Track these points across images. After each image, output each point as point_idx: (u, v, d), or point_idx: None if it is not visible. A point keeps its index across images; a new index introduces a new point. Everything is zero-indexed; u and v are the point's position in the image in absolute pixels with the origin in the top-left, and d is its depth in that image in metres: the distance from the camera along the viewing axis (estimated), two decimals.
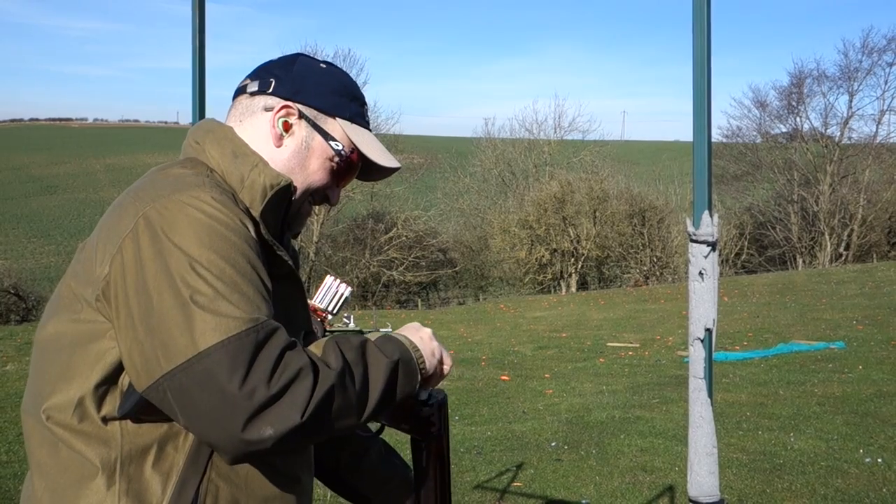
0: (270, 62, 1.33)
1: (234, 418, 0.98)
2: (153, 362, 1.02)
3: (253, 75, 1.31)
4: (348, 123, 1.30)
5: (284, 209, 1.25)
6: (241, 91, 1.31)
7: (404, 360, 1.16)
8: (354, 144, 1.30)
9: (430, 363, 1.23)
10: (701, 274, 1.04)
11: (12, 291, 19.59)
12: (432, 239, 27.40)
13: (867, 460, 5.04)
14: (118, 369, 1.10)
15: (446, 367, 1.30)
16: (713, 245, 1.03)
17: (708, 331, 1.05)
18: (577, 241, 25.26)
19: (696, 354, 1.05)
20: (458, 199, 29.63)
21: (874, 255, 26.17)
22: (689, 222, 1.05)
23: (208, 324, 1.00)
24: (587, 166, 28.17)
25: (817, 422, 6.08)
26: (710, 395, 1.05)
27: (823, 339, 9.99)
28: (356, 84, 1.38)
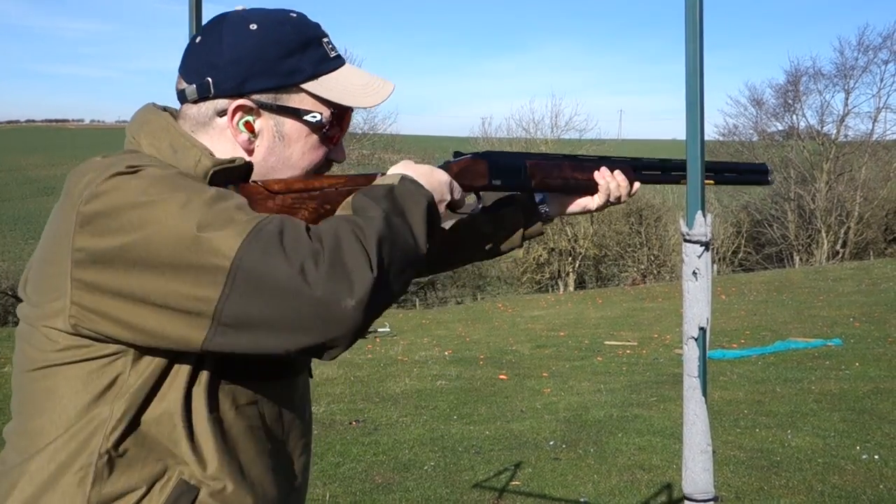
0: (194, 45, 1.13)
1: (305, 306, 0.90)
2: (193, 317, 0.94)
3: (184, 72, 1.13)
4: (314, 82, 1.12)
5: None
6: (181, 97, 1.13)
7: (432, 200, 1.09)
8: (331, 102, 1.13)
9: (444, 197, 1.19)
10: (695, 273, 1.05)
11: (10, 293, 19.57)
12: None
13: (864, 457, 5.05)
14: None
15: (458, 193, 1.25)
16: (707, 245, 1.04)
17: (702, 330, 1.06)
18: (575, 240, 25.29)
19: (691, 353, 1.06)
20: None
21: (871, 253, 26.22)
22: (682, 222, 1.06)
23: (216, 240, 0.91)
24: None
25: (814, 419, 6.10)
26: (705, 393, 1.06)
27: (820, 337, 10.01)
28: (300, 22, 1.14)
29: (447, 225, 1.45)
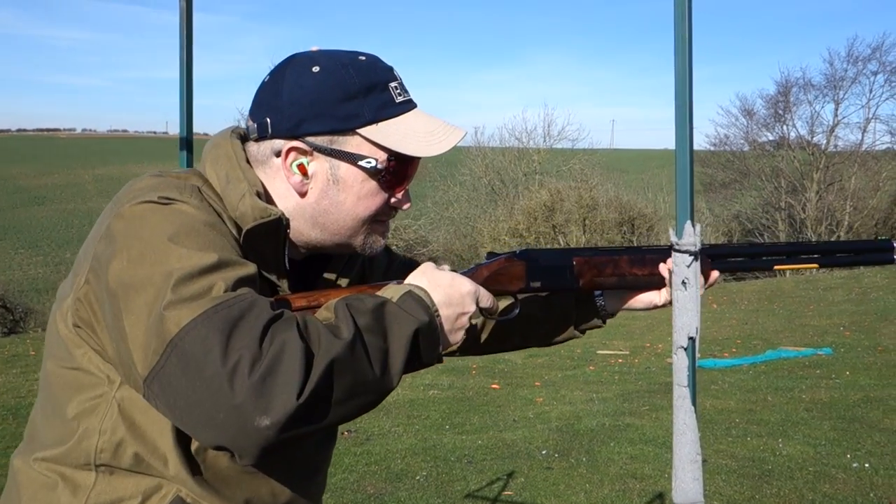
0: (262, 85, 1.14)
1: (221, 408, 0.86)
2: (136, 367, 0.94)
3: (251, 111, 1.15)
4: (371, 128, 1.09)
5: (282, 244, 1.11)
6: (247, 132, 1.16)
7: (429, 325, 1.00)
8: (389, 149, 1.09)
9: (452, 314, 1.07)
10: (684, 283, 1.06)
11: (1, 304, 19.45)
12: (423, 248, 27.39)
13: (855, 465, 5.07)
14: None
15: (487, 301, 1.14)
16: (696, 254, 1.05)
17: (691, 339, 1.07)
18: None
19: (680, 363, 1.07)
20: (447, 208, 29.67)
21: None
22: (672, 232, 1.07)
23: (178, 311, 0.90)
24: (576, 174, 28.27)
25: (805, 427, 6.11)
26: (695, 402, 1.06)
27: (811, 346, 10.04)
28: (368, 65, 1.11)
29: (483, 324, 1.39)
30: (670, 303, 1.25)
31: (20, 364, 9.75)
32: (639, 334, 12.81)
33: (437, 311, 1.04)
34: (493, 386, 8.68)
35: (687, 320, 1.05)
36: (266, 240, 1.09)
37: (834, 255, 1.30)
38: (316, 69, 1.09)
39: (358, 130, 1.09)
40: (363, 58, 1.12)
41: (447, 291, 1.07)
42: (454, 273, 1.12)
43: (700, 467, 1.07)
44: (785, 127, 29.40)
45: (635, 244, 18.71)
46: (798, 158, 28.59)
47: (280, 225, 1.09)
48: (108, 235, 1.00)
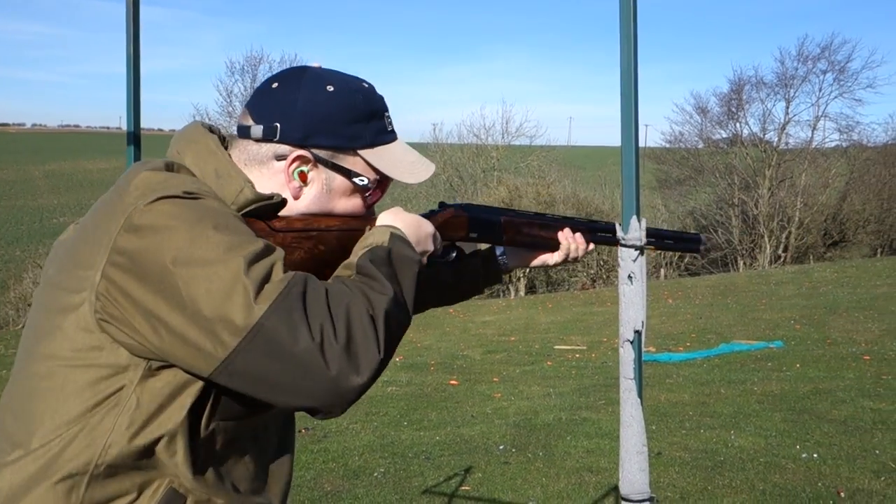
0: (270, 89, 1.20)
1: (318, 381, 0.97)
2: (205, 354, 0.98)
3: (254, 111, 1.19)
4: (370, 151, 1.21)
5: None
6: (244, 132, 1.19)
7: (420, 262, 1.16)
8: (379, 171, 1.22)
9: (420, 251, 1.23)
10: (630, 277, 1.07)
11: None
12: None
13: (804, 456, 5.19)
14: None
15: (439, 244, 1.32)
16: (641, 249, 1.06)
17: (637, 333, 1.08)
18: None
19: (626, 356, 1.08)
20: (406, 205, 29.56)
21: (811, 257, 26.96)
22: (618, 227, 1.08)
23: (247, 297, 0.96)
24: (534, 171, 28.47)
25: (757, 419, 6.24)
26: (640, 395, 1.08)
27: (763, 339, 10.26)
28: (371, 93, 1.24)
29: None
30: (559, 264, 1.53)
31: None
32: (596, 329, 12.95)
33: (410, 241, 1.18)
34: (452, 382, 8.71)
35: (633, 314, 1.06)
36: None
37: (663, 240, 1.48)
38: (330, 88, 1.18)
39: (358, 151, 1.20)
40: (366, 85, 1.23)
41: (416, 231, 1.22)
42: (418, 216, 1.28)
43: (646, 458, 1.08)
44: (738, 124, 29.95)
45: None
46: (751, 155, 29.13)
47: (282, 206, 1.18)
48: (137, 228, 1.01)
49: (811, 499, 4.43)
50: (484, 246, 1.58)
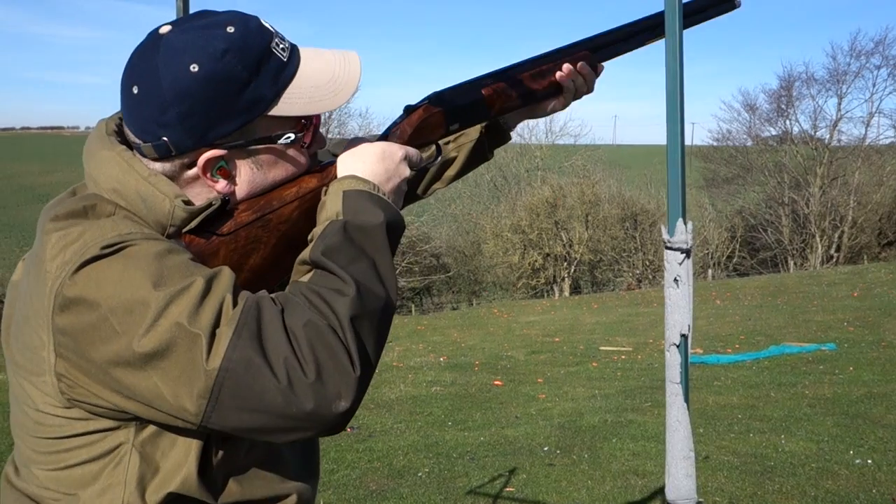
0: (133, 97, 1.00)
1: (295, 417, 0.89)
2: (179, 419, 0.92)
3: (132, 125, 1.02)
4: (278, 105, 1.02)
5: None
6: (137, 149, 1.02)
7: (387, 218, 1.00)
8: (302, 116, 1.05)
9: (394, 186, 1.07)
10: (676, 280, 1.06)
11: (3, 300, 19.49)
12: (425, 244, 27.42)
13: (857, 461, 5.06)
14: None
15: (415, 158, 1.15)
16: (688, 252, 1.05)
17: (683, 336, 1.07)
18: (570, 246, 25.33)
19: (672, 360, 1.07)
20: (450, 205, 29.68)
21: (865, 257, 26.30)
22: (664, 230, 1.07)
23: (205, 350, 0.88)
24: (579, 171, 28.29)
25: (808, 423, 6.11)
26: (687, 399, 1.06)
27: (814, 341, 10.03)
28: (240, 40, 0.99)
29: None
30: (569, 104, 1.33)
31: None
32: (642, 330, 12.82)
33: (380, 190, 1.04)
34: (496, 383, 8.69)
35: (679, 317, 1.05)
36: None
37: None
38: (194, 68, 0.97)
39: (267, 112, 1.02)
40: (231, 29, 1.00)
41: (384, 165, 1.07)
42: (382, 143, 1.11)
43: (693, 464, 1.07)
44: (788, 122, 29.40)
45: (638, 240, 18.46)
46: (801, 153, 28.55)
47: (226, 204, 1.05)
48: (68, 305, 0.92)
49: None
50: None
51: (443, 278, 28.14)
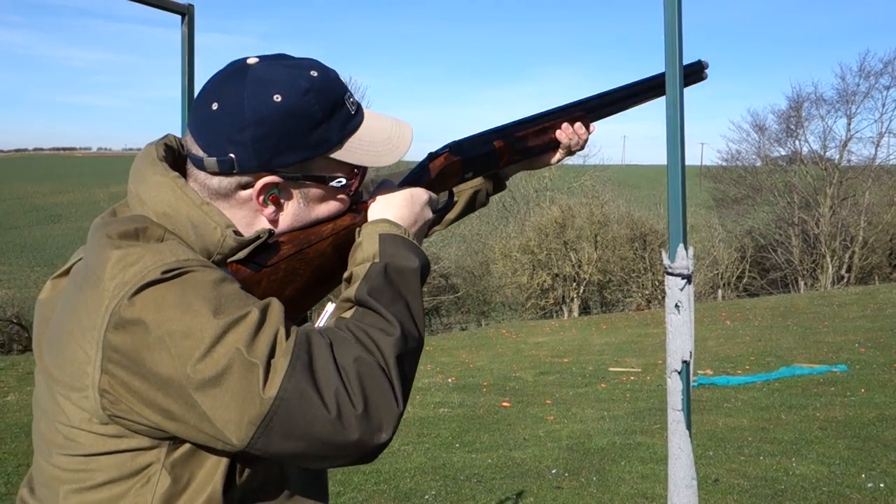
0: (212, 112, 1.05)
1: (342, 448, 0.94)
2: (222, 442, 0.94)
3: (201, 139, 1.06)
4: (340, 150, 1.09)
5: None
6: (198, 163, 1.07)
7: (419, 263, 1.08)
8: (355, 165, 1.12)
9: (418, 228, 1.17)
10: (677, 306, 1.05)
11: (15, 321, 19.57)
12: (434, 264, 27.39)
13: (869, 485, 5.00)
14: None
15: (437, 204, 1.26)
16: (688, 278, 1.04)
17: (685, 363, 1.06)
18: (579, 266, 25.26)
19: (674, 386, 1.06)
20: (459, 225, 29.69)
21: (876, 278, 26.12)
22: (664, 255, 1.06)
23: (262, 379, 0.91)
24: (588, 191, 28.26)
25: (819, 446, 6.04)
26: (689, 427, 1.05)
27: (826, 363, 9.94)
28: (323, 85, 1.08)
29: None
30: (562, 158, 1.45)
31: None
32: (651, 351, 12.74)
33: (409, 233, 1.12)
34: (504, 404, 8.65)
35: (680, 344, 1.04)
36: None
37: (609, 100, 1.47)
38: (278, 98, 1.04)
39: (329, 155, 1.10)
40: (315, 73, 1.08)
41: (411, 210, 1.16)
42: (409, 188, 1.19)
43: (696, 492, 1.06)
44: (797, 142, 29.32)
45: (647, 260, 18.40)
46: (811, 173, 28.46)
47: (270, 237, 1.10)
48: (125, 325, 0.94)
49: None
50: None
51: (451, 298, 28.07)
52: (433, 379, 10.91)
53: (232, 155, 1.04)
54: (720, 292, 25.29)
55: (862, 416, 6.96)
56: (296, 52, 1.17)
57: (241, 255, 1.06)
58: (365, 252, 1.07)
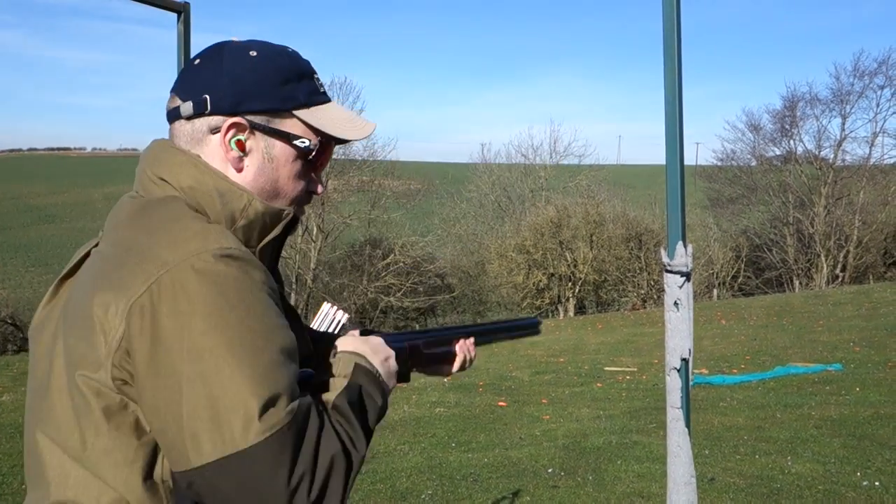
0: (193, 66, 1.15)
1: None
2: (180, 453, 0.94)
3: (180, 91, 1.15)
4: (306, 111, 1.16)
5: (282, 239, 1.18)
6: (174, 115, 1.15)
7: (384, 405, 1.14)
8: (320, 130, 1.17)
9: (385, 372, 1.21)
10: (676, 304, 1.05)
11: (9, 321, 19.52)
12: (430, 264, 27.40)
13: (865, 483, 5.01)
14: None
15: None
16: (687, 275, 1.04)
17: (684, 361, 1.06)
18: (574, 266, 25.27)
19: (673, 384, 1.06)
20: (455, 225, 29.69)
21: (870, 277, 26.20)
22: (663, 252, 1.06)
23: (249, 415, 0.92)
24: (583, 191, 28.29)
25: (815, 445, 6.05)
26: (688, 424, 1.05)
27: (821, 362, 9.97)
28: (296, 56, 1.19)
29: None
30: (454, 372, 1.53)
31: None
32: (647, 350, 12.75)
33: (378, 373, 1.16)
34: (500, 403, 8.65)
35: (679, 341, 1.04)
36: (276, 240, 1.16)
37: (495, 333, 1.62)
38: (253, 53, 1.14)
39: (294, 112, 1.15)
40: (290, 50, 1.20)
41: (379, 357, 1.19)
42: (375, 338, 1.25)
43: (695, 489, 1.06)
44: (792, 142, 29.40)
45: (643, 260, 18.44)
46: (805, 173, 28.53)
47: (294, 222, 1.18)
48: (151, 308, 0.96)
49: None
50: None
51: (447, 298, 28.07)
52: (429, 378, 10.91)
53: (206, 96, 1.11)
54: (715, 292, 25.34)
55: (857, 415, 6.98)
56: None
57: (276, 232, 1.13)
58: (343, 368, 1.13)
